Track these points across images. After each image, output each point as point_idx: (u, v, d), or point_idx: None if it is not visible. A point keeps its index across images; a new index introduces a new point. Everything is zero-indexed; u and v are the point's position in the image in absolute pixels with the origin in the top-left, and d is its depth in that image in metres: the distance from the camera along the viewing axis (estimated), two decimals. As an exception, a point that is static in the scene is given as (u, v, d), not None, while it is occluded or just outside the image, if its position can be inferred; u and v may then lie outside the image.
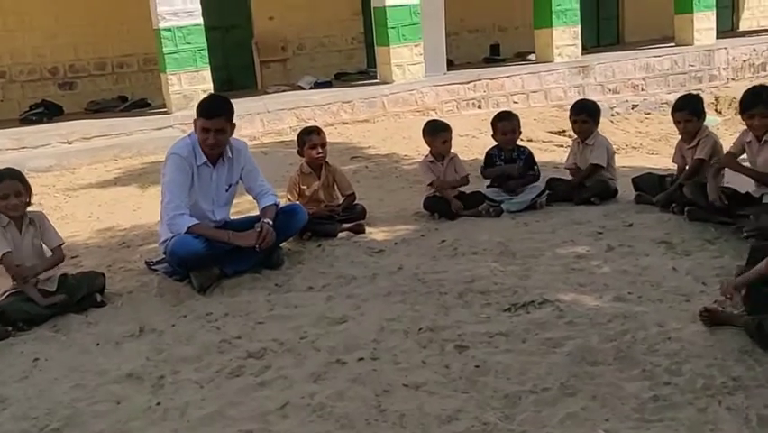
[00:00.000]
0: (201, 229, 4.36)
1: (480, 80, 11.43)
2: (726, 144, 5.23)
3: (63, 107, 11.48)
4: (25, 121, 10.66)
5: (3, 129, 9.75)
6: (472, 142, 8.74)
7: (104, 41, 12.08)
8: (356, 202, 5.42)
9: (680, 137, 5.34)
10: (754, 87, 4.91)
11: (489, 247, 4.67)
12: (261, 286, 4.29)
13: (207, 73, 10.28)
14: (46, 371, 3.44)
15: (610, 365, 3.02)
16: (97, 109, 11.53)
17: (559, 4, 12.61)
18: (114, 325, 3.91)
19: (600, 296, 3.77)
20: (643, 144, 9.99)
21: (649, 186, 5.43)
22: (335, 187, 5.41)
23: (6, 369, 3.50)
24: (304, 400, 2.92)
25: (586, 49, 13.54)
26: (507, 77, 11.66)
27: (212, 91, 9.90)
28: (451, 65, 12.83)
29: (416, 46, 11.49)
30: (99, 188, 7.49)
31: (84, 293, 4.15)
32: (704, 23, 13.76)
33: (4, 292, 4.05)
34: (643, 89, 12.58)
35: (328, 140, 5.50)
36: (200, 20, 10.15)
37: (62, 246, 4.31)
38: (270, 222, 4.44)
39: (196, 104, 4.65)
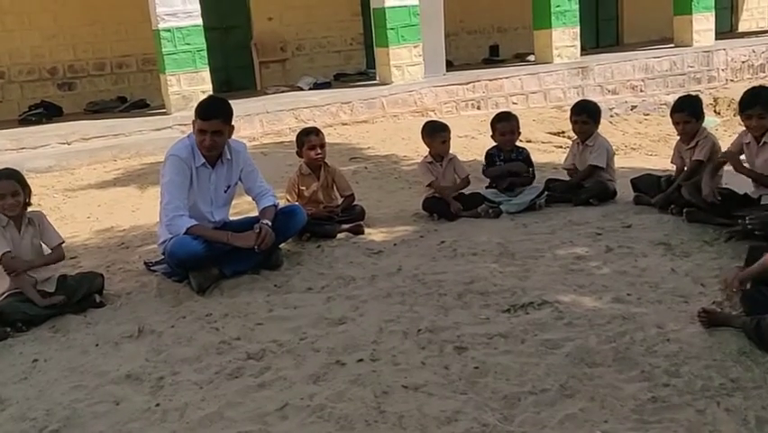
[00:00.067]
0: (200, 230, 4.36)
1: (479, 81, 11.44)
2: (725, 145, 5.24)
3: (62, 108, 11.49)
4: (24, 121, 10.67)
5: (2, 130, 9.75)
6: (471, 143, 8.75)
7: (103, 41, 12.08)
8: (355, 203, 5.42)
9: (678, 138, 5.35)
10: (753, 87, 4.92)
11: (489, 248, 4.67)
12: (261, 287, 4.29)
13: (206, 74, 10.29)
14: (45, 371, 3.44)
15: (609, 366, 3.03)
16: (96, 110, 11.53)
17: (558, 6, 12.63)
18: (113, 325, 3.91)
19: (599, 297, 3.77)
20: (642, 145, 10.00)
21: (648, 187, 5.43)
22: (334, 188, 5.41)
23: (5, 370, 3.50)
24: (303, 402, 2.92)
25: (585, 50, 13.55)
26: (507, 78, 11.67)
27: (211, 92, 9.92)
28: (450, 66, 12.86)
29: (415, 47, 11.50)
30: (98, 188, 7.49)
31: (83, 294, 4.15)
32: (703, 24, 13.78)
33: (3, 293, 4.05)
34: (642, 90, 12.60)
35: (327, 141, 5.50)
36: (199, 21, 10.16)
37: (62, 245, 4.31)
38: (269, 223, 4.45)
39: (195, 104, 4.65)
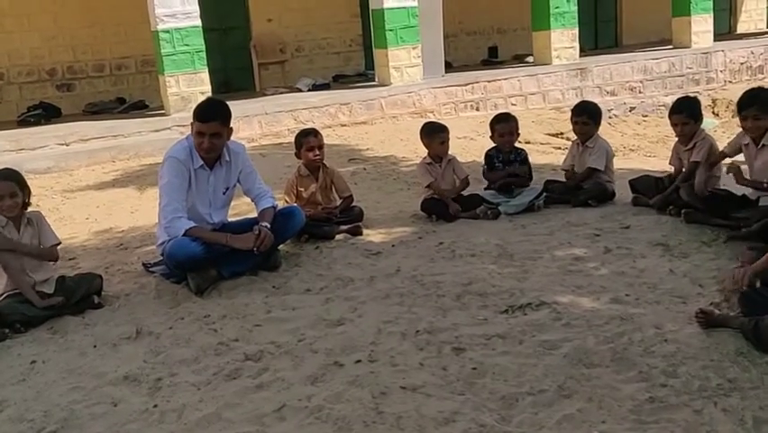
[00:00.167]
0: (199, 232, 4.36)
1: (477, 82, 11.44)
2: (723, 147, 5.25)
3: (61, 109, 11.47)
4: (23, 122, 10.66)
5: (1, 131, 9.74)
6: (470, 145, 8.75)
7: (102, 42, 12.08)
8: (354, 204, 5.42)
9: (677, 140, 5.36)
10: (751, 88, 4.93)
11: (487, 249, 4.67)
12: (259, 288, 4.29)
13: (205, 75, 10.29)
14: (43, 373, 3.44)
15: (607, 367, 3.03)
16: (95, 111, 11.52)
17: (557, 7, 12.63)
18: (112, 327, 3.91)
19: (597, 298, 3.77)
20: (640, 147, 10.01)
21: (646, 188, 5.44)
22: (333, 189, 5.41)
23: (3, 371, 3.50)
24: (301, 403, 2.92)
25: (584, 51, 13.55)
26: (505, 79, 11.68)
27: (210, 93, 9.93)
28: (449, 67, 12.86)
29: (413, 48, 11.50)
30: (97, 189, 7.49)
31: (81, 295, 4.16)
32: (701, 25, 13.79)
33: (2, 294, 4.05)
34: (640, 92, 12.60)
35: (326, 142, 5.51)
36: (198, 22, 10.15)
37: (58, 246, 4.30)
38: (268, 225, 4.45)
39: (194, 106, 4.65)
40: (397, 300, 3.94)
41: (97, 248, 5.46)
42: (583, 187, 5.66)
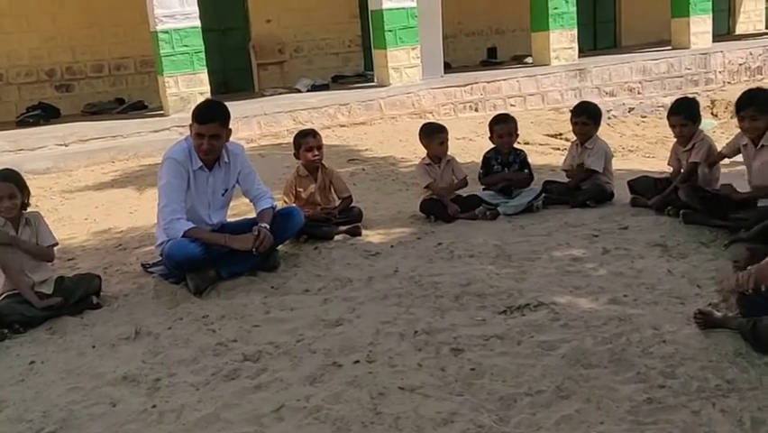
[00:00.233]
0: (197, 233, 4.36)
1: (476, 83, 11.46)
2: (722, 147, 5.26)
3: (60, 109, 11.47)
4: (22, 123, 10.65)
5: (-1, 131, 9.76)
6: (469, 145, 8.75)
7: (101, 43, 12.08)
8: (353, 205, 5.42)
9: (675, 140, 5.36)
10: (750, 89, 4.93)
11: (485, 250, 4.68)
12: (258, 288, 4.29)
13: (204, 75, 10.29)
14: (42, 373, 3.44)
15: (605, 368, 3.03)
16: (94, 111, 11.52)
17: (556, 8, 12.64)
18: (110, 327, 3.91)
19: (595, 298, 3.78)
20: (639, 147, 10.02)
21: (644, 189, 5.44)
22: (332, 189, 5.41)
23: (2, 371, 3.50)
24: (299, 403, 2.92)
25: (583, 52, 13.56)
26: (504, 80, 11.69)
27: (209, 94, 9.93)
28: (448, 68, 12.86)
29: (413, 49, 11.50)
30: (96, 190, 7.49)
31: (80, 295, 4.16)
32: (700, 26, 13.81)
33: (1, 294, 4.05)
34: (639, 92, 12.62)
35: (325, 142, 5.51)
36: (197, 22, 10.16)
37: (55, 246, 4.31)
38: (267, 226, 4.45)
39: (193, 106, 4.65)
40: (395, 301, 3.94)
41: (96, 248, 5.46)
42: (582, 187, 5.67)
